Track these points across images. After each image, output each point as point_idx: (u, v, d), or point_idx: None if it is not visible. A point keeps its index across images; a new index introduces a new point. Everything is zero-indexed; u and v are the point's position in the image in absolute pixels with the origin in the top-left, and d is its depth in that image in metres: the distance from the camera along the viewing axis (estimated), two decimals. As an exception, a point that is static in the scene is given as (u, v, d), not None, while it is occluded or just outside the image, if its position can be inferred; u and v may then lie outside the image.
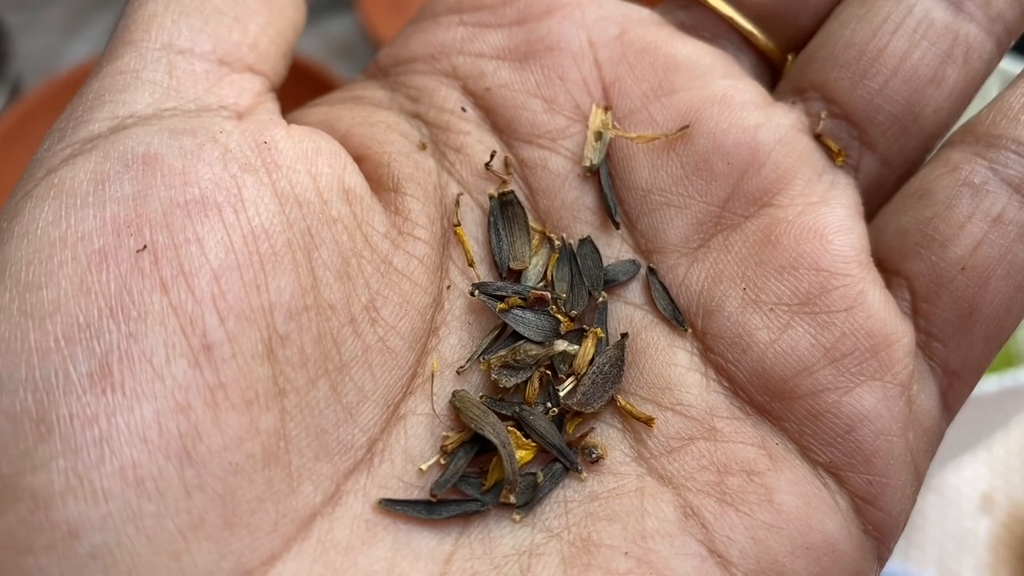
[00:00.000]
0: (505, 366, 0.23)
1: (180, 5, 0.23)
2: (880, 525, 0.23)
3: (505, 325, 0.24)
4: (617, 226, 0.25)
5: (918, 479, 0.24)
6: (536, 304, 0.24)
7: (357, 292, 0.22)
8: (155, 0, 0.23)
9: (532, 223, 0.25)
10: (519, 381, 0.23)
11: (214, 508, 0.19)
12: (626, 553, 0.21)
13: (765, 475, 0.22)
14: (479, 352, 0.23)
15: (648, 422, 0.23)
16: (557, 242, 0.25)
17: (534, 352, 0.23)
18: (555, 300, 0.24)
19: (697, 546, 0.21)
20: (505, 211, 0.25)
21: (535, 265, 0.25)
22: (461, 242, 0.24)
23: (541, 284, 0.25)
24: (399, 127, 0.26)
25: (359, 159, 0.24)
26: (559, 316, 0.24)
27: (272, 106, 0.24)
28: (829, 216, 0.24)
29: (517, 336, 0.24)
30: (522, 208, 0.25)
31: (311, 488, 0.20)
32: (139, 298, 0.19)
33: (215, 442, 0.19)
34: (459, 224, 0.24)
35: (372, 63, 0.28)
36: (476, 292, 0.24)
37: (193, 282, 0.19)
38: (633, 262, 0.25)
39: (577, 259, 0.24)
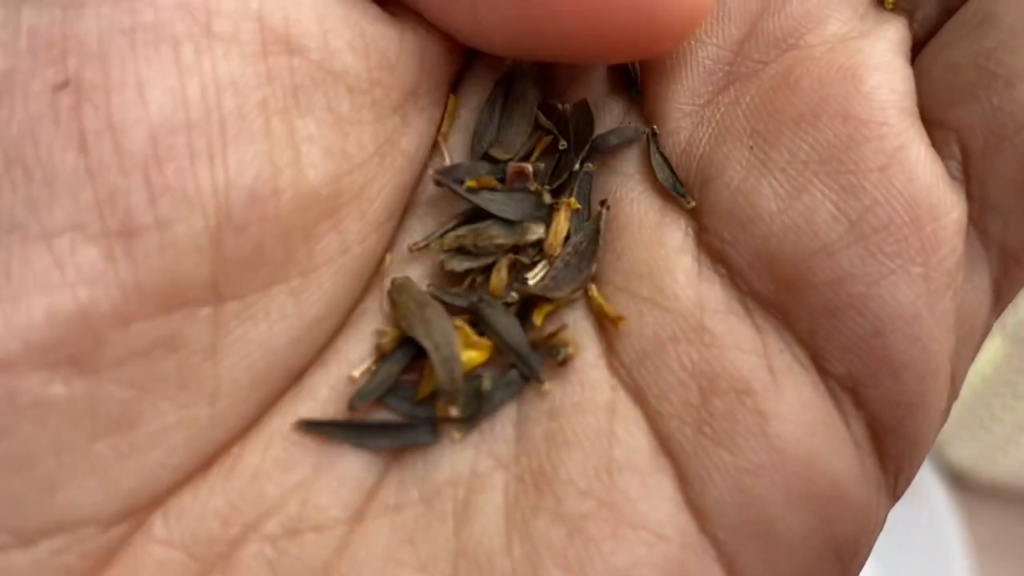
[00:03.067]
0: (461, 249, 0.18)
1: None
2: (900, 457, 0.18)
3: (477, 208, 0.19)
4: (638, 92, 0.20)
5: (954, 397, 0.18)
6: (516, 180, 0.19)
7: (352, 176, 0.17)
8: None
9: (543, 121, 0.20)
10: (473, 266, 0.18)
11: (106, 437, 0.15)
12: (584, 492, 0.16)
13: (760, 396, 0.17)
14: (440, 232, 0.19)
15: (615, 321, 0.18)
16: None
17: (502, 237, 0.19)
18: (535, 174, 0.19)
19: (673, 488, 0.17)
20: (514, 87, 0.20)
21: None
22: (448, 110, 0.20)
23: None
24: None
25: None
26: (539, 190, 0.19)
27: None
28: (866, 51, 0.18)
29: (487, 215, 0.19)
30: (536, 91, 0.20)
31: (235, 413, 0.16)
32: (47, 153, 0.14)
33: (117, 354, 0.15)
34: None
35: None
36: (440, 178, 0.19)
37: (122, 142, 0.15)
38: (635, 128, 0.20)
39: (569, 125, 0.20)
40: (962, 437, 0.53)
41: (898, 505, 0.19)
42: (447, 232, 0.19)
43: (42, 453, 0.14)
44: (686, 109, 0.19)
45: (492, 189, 0.19)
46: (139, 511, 0.16)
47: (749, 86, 0.19)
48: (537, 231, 0.19)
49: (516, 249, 0.19)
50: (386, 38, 0.18)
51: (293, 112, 0.16)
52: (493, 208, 0.19)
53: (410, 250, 0.19)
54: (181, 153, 0.15)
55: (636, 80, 0.20)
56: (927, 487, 0.52)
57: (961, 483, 0.53)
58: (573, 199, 0.19)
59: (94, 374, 0.15)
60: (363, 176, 0.17)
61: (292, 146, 0.16)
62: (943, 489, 0.52)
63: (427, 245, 0.19)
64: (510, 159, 0.19)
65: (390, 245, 0.19)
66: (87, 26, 0.15)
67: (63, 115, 0.14)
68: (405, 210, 0.19)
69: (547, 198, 0.19)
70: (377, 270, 0.19)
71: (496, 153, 0.19)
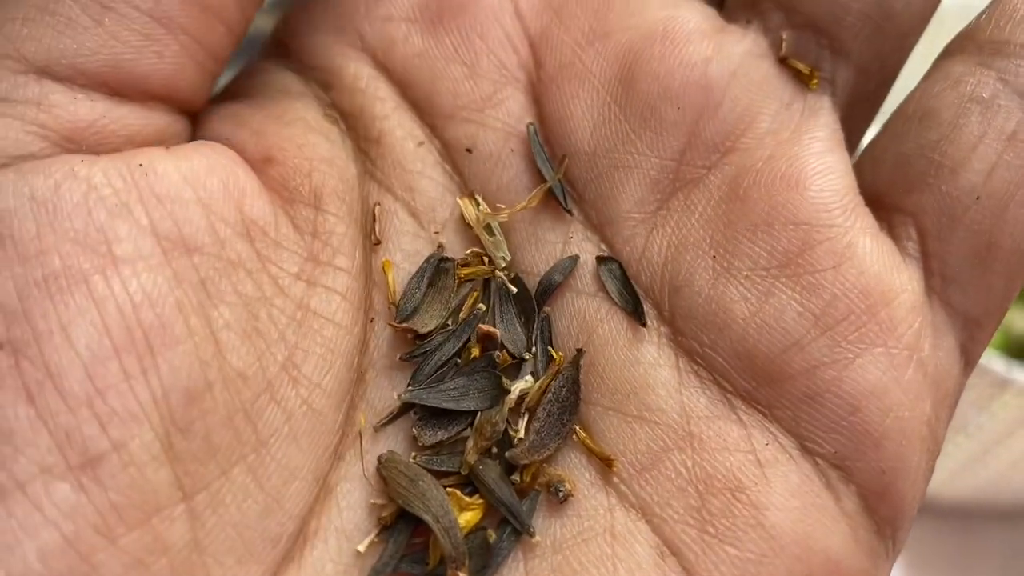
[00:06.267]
0: (430, 417, 0.20)
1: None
2: (892, 519, 0.20)
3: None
4: (570, 213, 0.22)
5: (935, 453, 0.21)
6: (484, 343, 0.21)
7: (271, 350, 0.19)
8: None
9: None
10: (444, 438, 0.20)
11: None
12: None
13: (752, 490, 0.19)
14: (450, 439, 0.20)
15: (608, 463, 0.20)
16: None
17: (498, 422, 0.20)
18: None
19: None
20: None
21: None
22: (385, 274, 0.21)
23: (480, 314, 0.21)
24: (320, 126, 0.22)
25: (268, 162, 0.21)
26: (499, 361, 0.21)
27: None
28: (803, 157, 0.20)
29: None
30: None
31: None
32: (2, 413, 0.16)
33: (113, 569, 0.16)
34: (379, 242, 0.21)
35: (270, 38, 0.24)
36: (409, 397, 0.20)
37: (62, 384, 0.16)
38: (570, 259, 0.21)
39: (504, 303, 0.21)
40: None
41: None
42: (454, 439, 0.20)
43: None
44: (638, 217, 0.21)
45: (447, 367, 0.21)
46: None
47: (698, 194, 0.21)
48: (515, 394, 0.20)
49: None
50: (266, 214, 0.19)
51: (207, 305, 0.18)
52: (467, 405, 0.20)
53: (375, 429, 0.20)
54: (117, 378, 0.16)
55: (565, 200, 0.21)
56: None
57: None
58: (559, 353, 0.21)
59: None
60: (284, 347, 0.19)
61: (211, 337, 0.18)
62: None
63: (391, 420, 0.20)
64: (440, 325, 0.21)
65: (353, 402, 0.20)
66: (6, 289, 0.16)
67: (6, 375, 0.16)
68: (359, 367, 0.20)
69: (506, 383, 0.20)
70: (342, 430, 0.20)
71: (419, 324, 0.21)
